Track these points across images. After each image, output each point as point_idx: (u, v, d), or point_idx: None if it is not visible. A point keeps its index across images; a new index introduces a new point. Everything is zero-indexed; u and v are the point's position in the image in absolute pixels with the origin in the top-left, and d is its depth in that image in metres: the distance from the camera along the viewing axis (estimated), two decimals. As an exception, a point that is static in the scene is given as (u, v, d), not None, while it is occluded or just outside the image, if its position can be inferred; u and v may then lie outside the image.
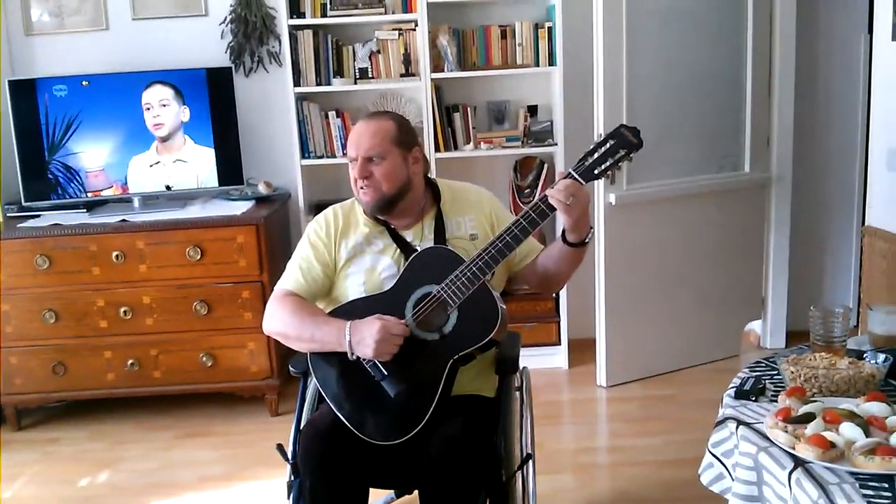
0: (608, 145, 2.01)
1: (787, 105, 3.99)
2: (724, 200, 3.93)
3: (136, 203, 3.77)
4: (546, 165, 4.00)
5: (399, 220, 2.25)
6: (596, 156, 2.01)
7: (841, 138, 4.22)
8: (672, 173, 3.80)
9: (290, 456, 2.20)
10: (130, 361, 3.61)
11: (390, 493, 2.78)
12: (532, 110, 4.00)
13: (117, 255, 3.53)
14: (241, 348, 3.63)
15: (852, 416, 1.62)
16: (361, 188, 2.17)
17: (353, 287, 2.21)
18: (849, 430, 1.58)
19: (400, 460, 2.09)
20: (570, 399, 3.82)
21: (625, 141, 2.01)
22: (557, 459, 3.20)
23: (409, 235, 2.25)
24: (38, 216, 3.72)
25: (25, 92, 3.64)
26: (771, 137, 4.02)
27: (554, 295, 4.02)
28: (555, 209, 2.01)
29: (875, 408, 1.66)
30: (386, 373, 2.04)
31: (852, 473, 1.50)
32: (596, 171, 2.01)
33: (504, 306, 2.08)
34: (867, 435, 1.57)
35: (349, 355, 2.05)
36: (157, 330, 3.60)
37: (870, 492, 1.44)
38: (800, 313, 3.99)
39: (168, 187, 3.79)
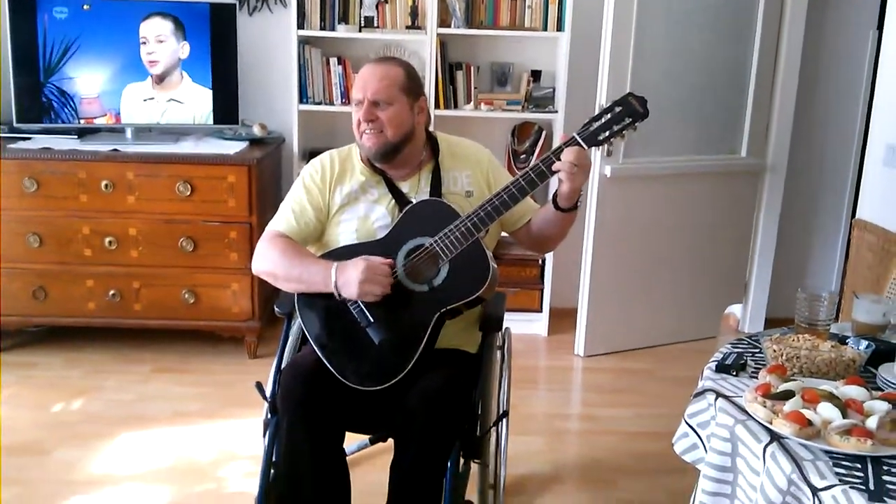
0: (614, 112, 2.00)
1: (789, 95, 3.99)
2: (717, 183, 3.94)
3: (128, 133, 3.73)
4: (544, 132, 3.98)
5: (397, 170, 2.23)
6: (601, 121, 2.00)
7: (839, 131, 4.23)
8: (669, 151, 3.82)
9: (268, 395, 2.21)
10: (112, 292, 3.60)
11: (365, 439, 2.81)
12: (536, 75, 3.97)
13: (106, 185, 3.49)
14: (225, 288, 3.62)
15: (831, 398, 1.64)
16: (365, 132, 2.14)
17: (345, 234, 2.20)
18: (826, 410, 1.60)
19: (379, 407, 2.10)
20: (547, 366, 3.85)
21: (631, 109, 2.00)
22: (530, 423, 3.23)
23: (405, 187, 2.23)
24: (29, 139, 3.67)
25: (25, 11, 3.56)
26: (770, 125, 4.03)
27: (539, 262, 4.04)
28: (554, 172, 2.01)
29: (854, 391, 1.68)
30: (372, 319, 2.05)
31: (827, 452, 1.52)
32: (600, 137, 2.00)
33: (495, 265, 2.07)
34: (844, 416, 1.59)
35: (336, 296, 2.05)
36: (141, 263, 3.58)
37: (842, 470, 1.46)
38: (781, 300, 4.05)
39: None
